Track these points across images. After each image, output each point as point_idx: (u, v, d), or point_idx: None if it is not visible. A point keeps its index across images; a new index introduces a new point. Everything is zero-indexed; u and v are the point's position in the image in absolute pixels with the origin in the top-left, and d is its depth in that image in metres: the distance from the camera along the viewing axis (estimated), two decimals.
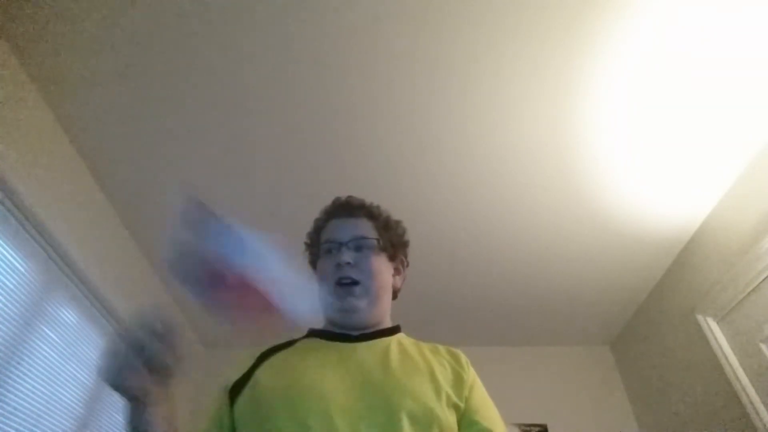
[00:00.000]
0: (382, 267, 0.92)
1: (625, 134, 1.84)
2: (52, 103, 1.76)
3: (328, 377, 0.75)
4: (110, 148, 1.93)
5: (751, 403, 1.93)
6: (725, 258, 2.06)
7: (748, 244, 1.91)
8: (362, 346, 0.84)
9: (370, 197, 1.01)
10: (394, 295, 0.98)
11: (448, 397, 0.76)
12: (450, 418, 0.74)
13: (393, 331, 0.91)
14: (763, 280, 1.87)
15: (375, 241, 0.92)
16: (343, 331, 0.87)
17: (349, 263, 0.87)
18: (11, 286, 1.63)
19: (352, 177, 2.03)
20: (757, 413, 1.90)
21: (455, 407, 0.77)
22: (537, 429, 2.77)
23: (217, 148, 1.92)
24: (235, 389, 0.79)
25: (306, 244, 1.01)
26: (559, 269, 2.51)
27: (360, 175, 2.02)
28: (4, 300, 1.59)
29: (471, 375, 0.84)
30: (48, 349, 1.79)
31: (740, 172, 1.97)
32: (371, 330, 0.88)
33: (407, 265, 1.02)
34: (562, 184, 2.05)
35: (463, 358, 0.87)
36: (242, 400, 0.77)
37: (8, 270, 1.62)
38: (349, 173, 2.02)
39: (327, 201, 1.02)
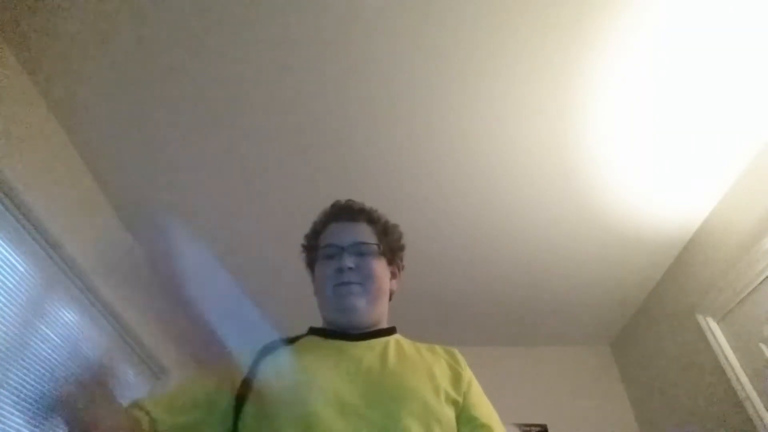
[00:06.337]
0: (382, 271, 0.93)
1: (626, 134, 1.84)
2: (52, 102, 1.76)
3: (328, 375, 0.76)
4: (111, 148, 1.93)
5: (751, 402, 1.93)
6: (725, 258, 2.06)
7: (748, 244, 1.91)
8: (361, 345, 0.84)
9: (369, 197, 1.02)
10: (389, 298, 0.99)
11: (447, 393, 0.78)
12: (449, 414, 0.75)
13: (390, 331, 0.92)
14: (763, 280, 1.87)
15: (376, 247, 0.93)
16: (342, 330, 0.88)
17: (351, 268, 0.88)
18: (11, 286, 1.63)
19: (351, 177, 2.03)
20: (757, 413, 1.90)
21: (454, 403, 0.78)
22: (537, 429, 2.77)
23: (216, 147, 1.92)
24: (241, 392, 0.78)
25: (303, 246, 1.01)
26: (559, 269, 2.51)
27: (359, 176, 2.02)
28: (4, 300, 1.59)
29: (468, 372, 0.86)
30: (48, 349, 1.79)
31: (740, 172, 1.96)
32: (369, 330, 0.89)
33: (402, 269, 1.03)
34: (562, 183, 2.05)
35: (460, 357, 0.88)
36: (248, 407, 0.75)
37: (8, 270, 1.62)
38: (347, 173, 2.02)
39: (326, 202, 1.02)
